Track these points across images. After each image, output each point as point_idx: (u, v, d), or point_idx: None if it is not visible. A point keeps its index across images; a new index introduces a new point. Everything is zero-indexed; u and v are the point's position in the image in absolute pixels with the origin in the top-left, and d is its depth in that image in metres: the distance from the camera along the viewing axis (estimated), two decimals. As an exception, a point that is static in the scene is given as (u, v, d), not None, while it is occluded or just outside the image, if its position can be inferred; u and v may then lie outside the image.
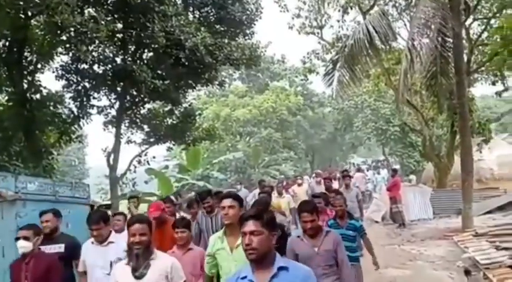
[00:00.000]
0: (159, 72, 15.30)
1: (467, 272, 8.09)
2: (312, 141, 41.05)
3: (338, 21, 20.55)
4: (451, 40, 11.80)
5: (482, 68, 18.98)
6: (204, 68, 15.14)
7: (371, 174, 25.38)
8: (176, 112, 17.16)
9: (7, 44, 12.91)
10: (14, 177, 6.03)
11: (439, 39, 11.06)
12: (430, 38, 10.65)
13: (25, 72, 13.33)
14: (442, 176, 18.47)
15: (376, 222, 15.00)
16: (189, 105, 18.15)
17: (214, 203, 5.85)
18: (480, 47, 18.45)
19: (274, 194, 9.74)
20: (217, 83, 17.45)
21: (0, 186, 5.93)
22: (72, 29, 10.45)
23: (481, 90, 50.20)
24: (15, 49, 12.88)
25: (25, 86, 13.38)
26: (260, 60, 18.34)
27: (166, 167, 27.32)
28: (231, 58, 15.53)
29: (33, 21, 12.84)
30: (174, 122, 17.24)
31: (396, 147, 29.47)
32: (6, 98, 14.89)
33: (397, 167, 24.90)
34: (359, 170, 18.96)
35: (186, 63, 14.51)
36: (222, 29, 16.68)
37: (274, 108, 32.01)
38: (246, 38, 17.24)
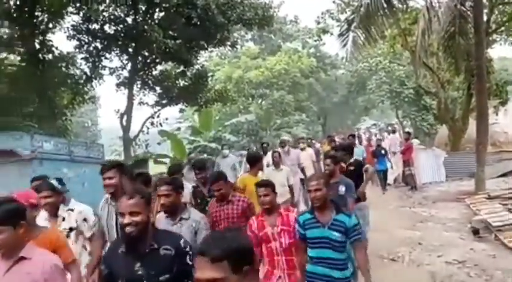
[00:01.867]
0: (171, 32, 15.10)
1: (475, 232, 8.14)
2: (324, 104, 40.73)
3: (354, -21, 19.92)
4: (471, -2, 11.40)
5: (502, 28, 18.41)
6: (216, 28, 14.92)
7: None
8: (188, 73, 17.06)
9: (18, 2, 12.76)
10: (30, 136, 6.09)
11: (459, -3, 10.69)
12: (450, -4, 10.30)
13: (36, 32, 13.22)
14: (456, 139, 18.30)
15: (388, 184, 15.03)
16: (201, 67, 18.00)
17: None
18: (500, 6, 17.79)
19: (269, 166, 7.67)
20: (229, 43, 17.23)
21: (17, 145, 5.99)
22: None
23: (499, 51, 48.88)
24: (26, 8, 12.73)
25: (37, 46, 13.30)
26: (273, 21, 17.94)
27: (179, 129, 27.43)
28: (243, 18, 15.24)
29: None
30: (186, 83, 17.17)
31: (410, 110, 29.09)
32: (19, 58, 14.92)
33: (411, 130, 24.69)
34: (394, 131, 17.98)
35: (198, 23, 14.30)
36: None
37: (287, 70, 31.59)
38: (259, -3, 16.85)
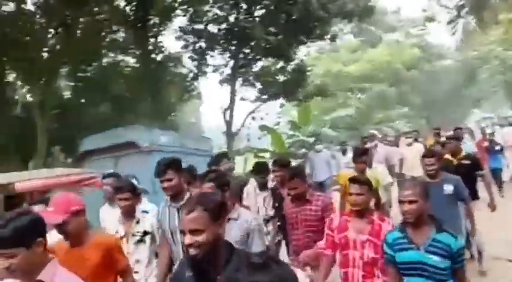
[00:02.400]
0: (271, 28, 15.40)
1: None
2: (428, 96, 38.55)
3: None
4: None
5: None
6: (315, 23, 14.91)
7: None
8: (288, 69, 17.26)
9: (133, 8, 13.90)
10: (148, 130, 6.63)
11: None
12: None
13: (149, 35, 14.30)
14: None
15: (504, 181, 13.80)
16: (301, 62, 18.09)
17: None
18: None
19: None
20: (328, 37, 17.14)
21: (137, 138, 6.53)
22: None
23: None
24: (140, 13, 13.81)
25: (150, 47, 14.38)
26: (374, 12, 17.45)
27: (278, 123, 27.81)
28: (344, 10, 15.08)
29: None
30: (286, 78, 17.38)
31: (528, 102, 26.51)
32: (133, 60, 16.25)
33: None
34: (511, 124, 16.27)
35: (298, 18, 14.39)
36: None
37: (388, 62, 30.48)
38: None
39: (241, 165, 16.92)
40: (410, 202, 2.74)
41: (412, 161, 8.12)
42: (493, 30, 20.25)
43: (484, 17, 10.88)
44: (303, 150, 21.08)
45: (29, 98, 16.21)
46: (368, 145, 7.75)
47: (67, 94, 16.58)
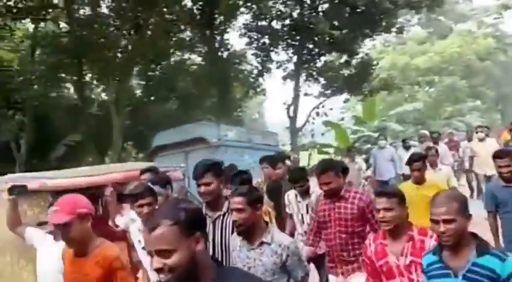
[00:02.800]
0: (336, 22, 15.23)
1: None
2: (503, 88, 36.26)
3: None
4: None
5: None
6: (381, 15, 14.57)
7: None
8: (352, 63, 16.99)
9: (199, 7, 14.33)
10: (217, 125, 6.86)
11: None
12: None
13: (216, 32, 14.67)
14: None
15: None
16: (366, 55, 17.73)
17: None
18: None
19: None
20: (395, 29, 16.67)
21: (205, 133, 6.77)
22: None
23: None
24: (206, 12, 14.21)
25: (216, 45, 14.76)
26: (444, 2, 16.72)
27: (342, 119, 27.44)
28: (411, 1, 14.57)
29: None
30: (351, 73, 17.13)
31: None
32: (199, 58, 16.76)
33: None
34: None
35: (364, 11, 14.13)
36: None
37: (460, 54, 29.03)
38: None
39: (305, 161, 16.91)
40: (447, 221, 2.18)
41: (485, 158, 7.37)
42: None
43: None
44: (368, 145, 20.69)
45: (103, 96, 17.23)
46: (419, 147, 6.93)
47: (138, 92, 17.40)
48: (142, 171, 4.21)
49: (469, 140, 9.85)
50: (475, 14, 36.12)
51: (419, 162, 4.53)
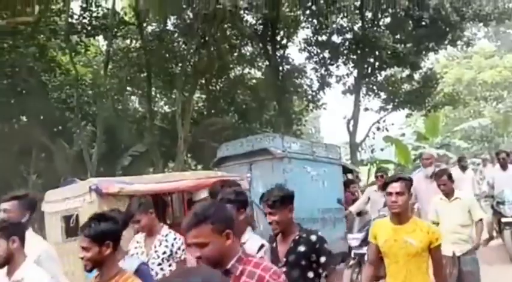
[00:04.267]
0: (399, 36, 14.99)
1: None
2: None
3: None
4: None
5: None
6: (448, 28, 14.17)
7: None
8: (415, 77, 16.60)
9: (261, 22, 14.65)
10: (281, 137, 6.92)
11: None
12: None
13: (277, 47, 14.92)
14: None
15: None
16: (430, 70, 17.26)
17: None
18: None
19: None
20: (461, 43, 16.14)
21: (270, 145, 6.85)
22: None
23: None
24: (268, 27, 14.51)
25: (277, 59, 14.99)
26: (513, 13, 16.02)
27: (403, 134, 26.72)
28: (480, 14, 14.08)
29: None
30: (413, 87, 16.73)
31: None
32: (259, 72, 17.05)
33: None
34: None
35: (428, 24, 13.83)
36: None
37: (531, 68, 27.59)
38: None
39: (365, 177, 16.60)
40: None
41: None
42: None
43: None
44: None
45: (166, 109, 17.88)
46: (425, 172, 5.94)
47: (200, 105, 17.92)
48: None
49: None
50: (548, 26, 34.19)
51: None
